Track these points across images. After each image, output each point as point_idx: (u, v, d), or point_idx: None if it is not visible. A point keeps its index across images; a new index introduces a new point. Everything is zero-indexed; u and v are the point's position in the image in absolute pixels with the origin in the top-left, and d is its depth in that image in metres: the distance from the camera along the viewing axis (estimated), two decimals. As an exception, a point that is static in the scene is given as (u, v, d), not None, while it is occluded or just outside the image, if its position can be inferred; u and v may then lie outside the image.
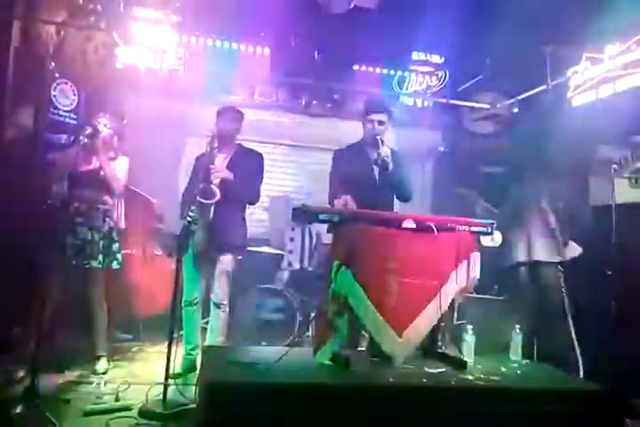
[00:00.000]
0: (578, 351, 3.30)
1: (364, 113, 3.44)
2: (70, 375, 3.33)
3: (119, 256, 3.60)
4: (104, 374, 3.42)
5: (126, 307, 4.28)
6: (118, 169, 3.59)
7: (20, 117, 4.34)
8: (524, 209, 3.92)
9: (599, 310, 3.25)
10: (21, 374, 2.98)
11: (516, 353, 3.10)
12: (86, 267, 3.41)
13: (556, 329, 3.54)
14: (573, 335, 3.36)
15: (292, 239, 5.06)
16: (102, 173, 3.47)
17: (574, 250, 3.81)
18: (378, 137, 3.31)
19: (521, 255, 3.86)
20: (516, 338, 3.10)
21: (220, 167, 3.53)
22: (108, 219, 3.54)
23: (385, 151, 3.28)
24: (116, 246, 3.58)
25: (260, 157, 3.76)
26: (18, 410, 2.53)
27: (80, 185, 3.44)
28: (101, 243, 3.47)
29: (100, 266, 3.45)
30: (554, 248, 3.79)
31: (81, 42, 4.94)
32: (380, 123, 3.37)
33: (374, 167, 3.37)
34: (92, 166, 3.50)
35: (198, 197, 3.30)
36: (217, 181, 3.44)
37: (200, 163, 3.55)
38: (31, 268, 3.41)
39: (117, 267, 3.58)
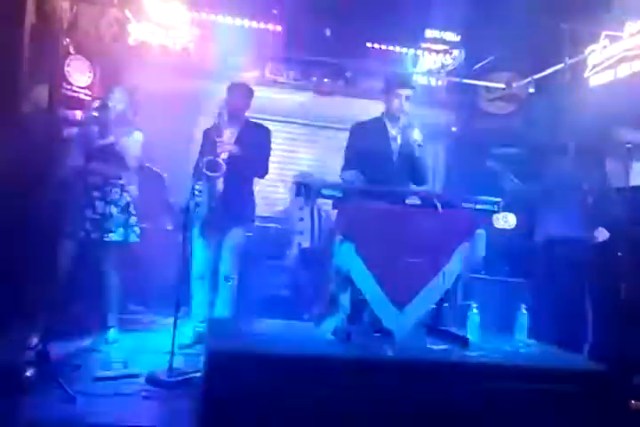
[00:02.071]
0: (590, 333, 3.29)
1: (390, 88, 3.38)
2: (82, 343, 3.43)
3: (137, 229, 3.66)
4: (114, 343, 3.52)
5: (139, 279, 4.36)
6: (132, 143, 3.61)
7: (36, 93, 4.38)
8: (559, 187, 3.85)
9: (607, 290, 3.24)
10: (35, 340, 3.06)
11: (521, 333, 3.10)
12: (105, 240, 3.47)
13: (571, 310, 3.52)
14: (590, 317, 3.34)
15: (301, 219, 5.07)
16: (117, 147, 3.50)
17: (603, 234, 3.77)
18: (405, 115, 3.28)
19: (551, 233, 3.82)
20: (522, 317, 3.10)
21: (228, 141, 3.54)
22: (125, 193, 3.58)
23: (418, 135, 3.26)
24: (133, 220, 3.63)
25: (267, 131, 3.77)
26: (29, 373, 2.60)
27: (96, 159, 3.48)
28: (121, 216, 3.52)
29: (120, 239, 3.51)
30: (587, 228, 3.73)
31: (94, 18, 4.95)
32: (407, 98, 3.32)
33: (392, 144, 3.34)
34: (106, 141, 3.53)
35: (204, 170, 3.33)
36: (224, 155, 3.45)
37: (208, 137, 3.57)
38: (49, 240, 3.48)
39: (136, 240, 3.64)
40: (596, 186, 3.97)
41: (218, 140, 3.47)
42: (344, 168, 3.34)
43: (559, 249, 3.80)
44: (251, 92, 3.75)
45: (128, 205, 3.61)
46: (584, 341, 3.43)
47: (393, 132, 3.36)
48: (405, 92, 3.33)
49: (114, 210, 3.51)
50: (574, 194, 3.85)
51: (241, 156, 3.51)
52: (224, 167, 3.39)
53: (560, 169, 4.00)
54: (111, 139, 3.52)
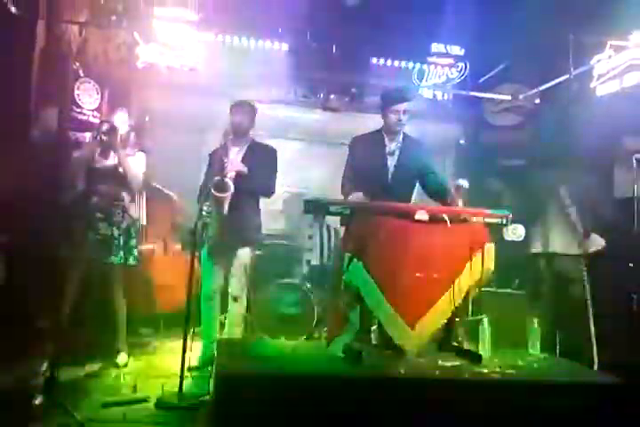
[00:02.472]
0: (594, 345, 3.23)
1: (385, 104, 3.36)
2: (90, 368, 3.41)
3: (136, 252, 3.66)
4: (124, 367, 3.50)
5: (148, 302, 4.36)
6: (136, 165, 3.64)
7: (45, 117, 4.45)
8: (540, 200, 3.84)
9: (621, 303, 3.18)
10: (44, 366, 3.05)
11: (534, 347, 3.06)
12: (106, 263, 3.47)
13: (576, 323, 3.47)
14: (592, 329, 3.29)
15: (310, 237, 5.06)
16: (120, 168, 3.53)
17: (597, 243, 3.73)
18: (401, 128, 3.29)
19: (537, 246, 3.80)
20: (534, 331, 3.06)
21: (235, 161, 3.55)
22: (126, 214, 3.60)
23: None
24: (133, 242, 3.64)
25: (273, 151, 3.78)
26: (37, 401, 2.59)
27: (98, 181, 3.50)
28: (121, 238, 3.52)
29: (120, 261, 3.51)
30: (573, 240, 3.71)
31: (103, 41, 5.02)
32: (405, 112, 3.28)
33: (388, 158, 3.32)
34: (109, 162, 3.56)
35: (212, 191, 3.34)
36: (231, 174, 3.47)
37: (214, 157, 3.58)
38: (54, 263, 3.49)
39: (134, 263, 3.64)
40: (595, 196, 3.92)
41: (226, 160, 3.48)
42: (343, 183, 3.33)
43: (553, 262, 3.76)
44: (254, 110, 3.76)
45: (129, 226, 3.61)
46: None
47: (391, 146, 3.33)
48: (402, 106, 3.28)
49: (115, 232, 3.51)
50: (560, 206, 3.81)
51: (248, 175, 3.52)
52: (232, 187, 3.39)
53: (553, 180, 3.94)
54: (114, 160, 3.54)
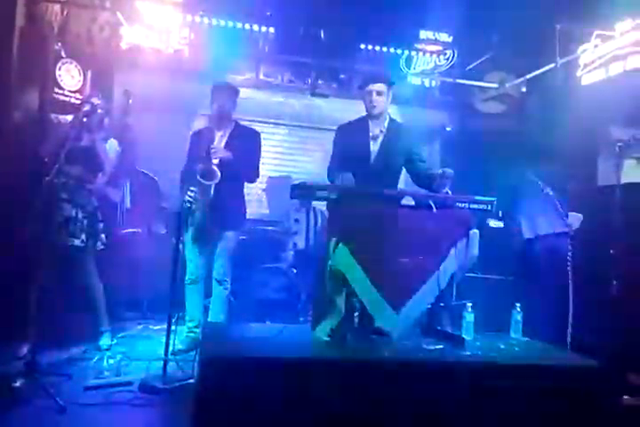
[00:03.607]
0: (570, 323, 3.29)
1: (361, 85, 3.32)
2: (74, 351, 3.39)
3: (103, 237, 3.57)
4: (107, 350, 3.48)
5: (132, 285, 4.34)
6: (109, 148, 3.59)
7: (25, 98, 4.36)
8: (523, 188, 3.85)
9: (601, 288, 3.24)
10: (24, 350, 3.02)
11: (516, 331, 3.10)
12: (70, 245, 3.37)
13: (561, 307, 3.51)
14: (570, 308, 3.33)
15: (296, 220, 5.06)
16: (94, 151, 3.45)
17: (576, 219, 3.75)
18: (377, 110, 3.21)
19: (527, 233, 3.82)
20: (516, 316, 3.10)
21: (219, 147, 3.53)
22: (93, 198, 3.52)
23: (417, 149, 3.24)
24: (100, 227, 3.55)
25: (257, 134, 3.76)
26: (18, 384, 2.57)
27: (72, 162, 3.35)
28: (85, 221, 3.43)
29: (83, 245, 3.41)
30: (555, 220, 3.72)
31: (86, 21, 4.92)
32: (379, 93, 3.19)
33: (371, 143, 3.26)
34: (83, 143, 3.44)
35: (199, 178, 3.31)
36: (216, 160, 3.44)
37: (198, 141, 3.55)
38: (28, 244, 3.41)
39: (102, 248, 3.56)
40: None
41: (211, 147, 3.45)
42: (329, 167, 3.31)
43: (542, 244, 3.78)
44: (235, 92, 3.70)
45: (95, 210, 3.53)
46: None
47: (375, 131, 3.27)
48: (375, 87, 3.20)
49: (79, 214, 3.41)
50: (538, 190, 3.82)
51: (233, 161, 3.49)
52: (219, 175, 3.37)
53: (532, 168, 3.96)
54: (87, 143, 3.45)
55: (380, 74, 3.40)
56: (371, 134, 3.27)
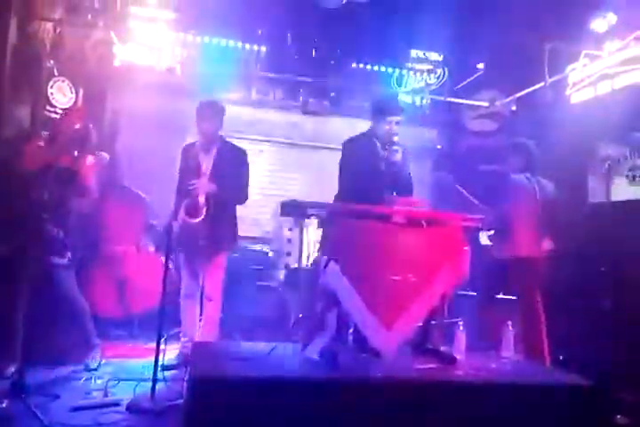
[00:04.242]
0: (545, 343, 3.29)
1: (381, 113, 3.38)
2: (62, 371, 3.32)
3: (87, 255, 3.62)
4: (95, 370, 3.41)
5: (121, 303, 4.29)
6: (88, 168, 3.52)
7: (17, 114, 4.35)
8: (511, 204, 3.83)
9: (591, 305, 3.24)
10: (12, 369, 2.97)
11: (507, 349, 3.08)
12: (53, 263, 3.35)
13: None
14: (543, 330, 3.34)
15: (289, 240, 5.03)
16: (73, 169, 3.39)
17: (548, 245, 3.76)
18: (395, 138, 3.32)
19: (509, 250, 3.79)
20: (508, 334, 3.09)
21: (202, 182, 3.49)
22: (74, 216, 3.49)
23: (398, 157, 3.29)
24: (81, 244, 3.60)
25: (243, 153, 3.74)
26: (4, 404, 2.53)
27: (49, 180, 3.27)
28: (66, 240, 3.41)
29: (68, 263, 3.41)
30: (538, 242, 3.72)
31: (78, 40, 4.94)
32: (397, 123, 3.35)
33: (382, 163, 3.34)
34: (62, 163, 3.35)
35: (185, 217, 3.34)
36: (202, 198, 3.43)
37: (187, 159, 3.55)
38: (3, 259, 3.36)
39: (85, 265, 3.57)
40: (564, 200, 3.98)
41: (194, 182, 3.43)
42: (344, 186, 3.32)
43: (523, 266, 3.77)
44: (222, 110, 3.68)
45: (77, 228, 3.53)
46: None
47: (383, 152, 3.36)
48: (396, 118, 3.34)
49: (60, 233, 3.37)
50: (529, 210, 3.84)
51: (219, 191, 3.49)
52: (204, 212, 3.38)
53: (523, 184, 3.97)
54: (68, 161, 3.37)
55: (399, 106, 3.49)
56: (380, 154, 3.36)
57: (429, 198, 5.44)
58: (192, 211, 3.37)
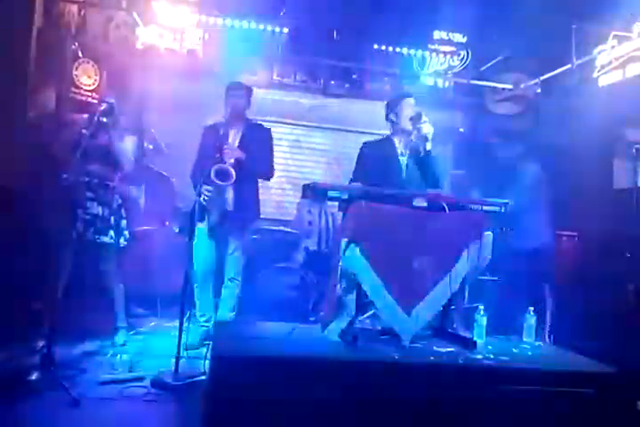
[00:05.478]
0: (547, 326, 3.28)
1: (397, 101, 3.37)
2: (89, 346, 3.42)
3: (126, 233, 3.63)
4: (122, 345, 3.51)
5: (145, 283, 4.37)
6: (127, 146, 3.62)
7: (43, 97, 4.41)
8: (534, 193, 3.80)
9: (616, 293, 3.21)
10: (41, 344, 3.07)
11: (529, 335, 3.08)
12: (97, 242, 3.44)
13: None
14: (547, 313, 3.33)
15: (309, 222, 5.05)
16: (112, 149, 3.48)
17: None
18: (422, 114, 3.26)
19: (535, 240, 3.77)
20: (530, 320, 3.08)
21: (233, 146, 3.55)
22: (117, 195, 3.57)
23: (428, 129, 3.22)
24: (124, 223, 3.61)
25: (269, 132, 3.79)
26: (34, 377, 2.61)
27: (91, 160, 3.41)
28: (112, 219, 3.50)
29: (112, 241, 3.49)
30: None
31: (102, 21, 4.98)
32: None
33: (400, 159, 3.32)
34: (101, 142, 3.47)
35: (214, 179, 3.34)
36: (232, 160, 3.46)
37: (211, 136, 3.58)
38: (45, 239, 3.48)
39: (125, 243, 3.61)
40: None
41: (225, 147, 3.48)
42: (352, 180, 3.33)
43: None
44: (249, 92, 3.76)
45: (119, 207, 3.59)
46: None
47: (401, 148, 3.35)
48: (410, 100, 3.36)
49: (105, 211, 3.48)
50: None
51: (247, 160, 3.52)
52: (234, 176, 3.39)
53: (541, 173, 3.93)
54: (107, 141, 3.48)
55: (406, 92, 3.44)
56: (398, 151, 3.34)
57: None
58: (222, 174, 3.39)
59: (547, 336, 3.39)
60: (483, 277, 3.93)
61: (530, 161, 3.89)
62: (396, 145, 3.37)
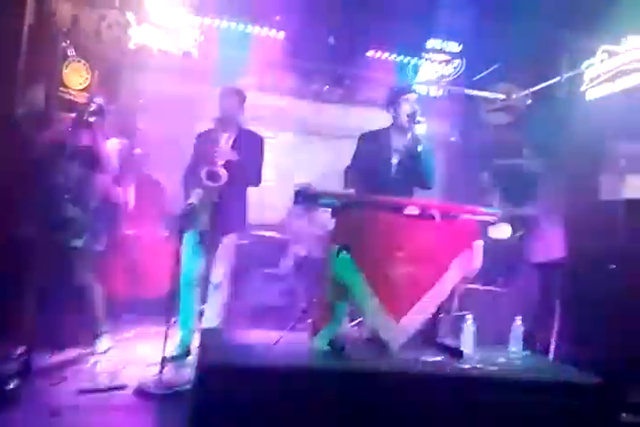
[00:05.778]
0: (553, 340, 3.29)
1: (397, 95, 3.33)
2: (70, 353, 3.34)
3: (104, 238, 3.55)
4: (103, 353, 3.42)
5: (132, 287, 4.31)
6: (111, 149, 3.58)
7: (32, 94, 4.34)
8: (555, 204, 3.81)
9: (601, 303, 3.22)
10: (19, 351, 2.97)
11: (516, 344, 3.07)
12: (70, 245, 3.35)
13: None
14: (555, 325, 3.34)
15: (299, 229, 5.03)
16: (94, 150, 3.42)
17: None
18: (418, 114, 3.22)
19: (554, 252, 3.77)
20: (517, 329, 3.08)
21: (225, 148, 3.52)
22: (94, 197, 3.49)
23: (421, 129, 3.20)
24: (100, 227, 3.52)
25: (260, 138, 3.74)
26: (12, 386, 2.54)
27: (70, 161, 3.34)
28: (86, 221, 3.40)
29: (83, 245, 3.38)
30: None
31: (94, 20, 4.92)
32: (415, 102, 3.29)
33: (393, 154, 3.30)
34: (84, 143, 3.41)
35: (205, 180, 3.30)
36: (222, 162, 3.43)
37: (203, 142, 3.55)
38: (23, 243, 3.34)
39: (100, 249, 3.52)
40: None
41: (217, 148, 3.45)
42: (346, 178, 3.31)
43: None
44: (243, 97, 3.72)
45: (97, 210, 3.49)
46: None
47: (398, 143, 3.31)
48: (412, 95, 3.32)
49: (80, 214, 3.38)
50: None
51: (238, 163, 3.49)
52: (225, 177, 3.36)
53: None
54: (90, 142, 3.42)
55: (409, 87, 3.46)
56: (393, 146, 3.31)
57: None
58: (213, 176, 3.36)
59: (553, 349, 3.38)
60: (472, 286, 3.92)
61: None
62: (392, 140, 3.33)
